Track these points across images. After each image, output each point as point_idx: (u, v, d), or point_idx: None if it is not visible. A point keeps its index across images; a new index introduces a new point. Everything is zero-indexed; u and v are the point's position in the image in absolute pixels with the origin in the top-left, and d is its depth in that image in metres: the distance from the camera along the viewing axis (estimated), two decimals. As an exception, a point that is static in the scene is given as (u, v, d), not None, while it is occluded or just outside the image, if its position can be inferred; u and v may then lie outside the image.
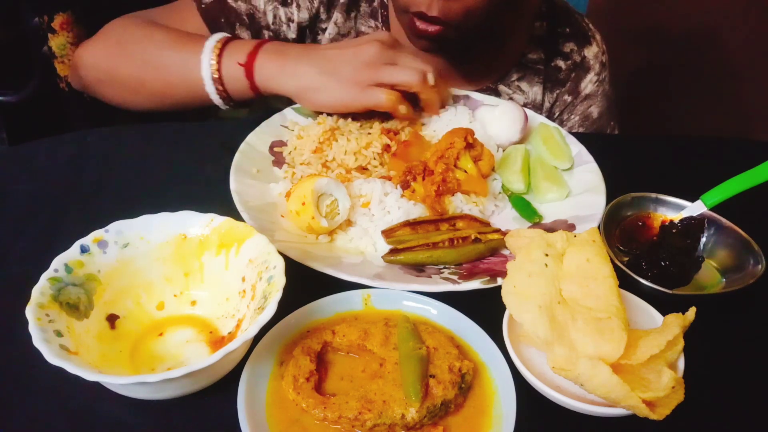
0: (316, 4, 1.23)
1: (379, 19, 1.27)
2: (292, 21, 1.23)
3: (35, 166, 1.03)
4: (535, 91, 1.34)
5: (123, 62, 1.14)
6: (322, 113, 1.10)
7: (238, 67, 1.04)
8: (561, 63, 1.34)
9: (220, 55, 1.05)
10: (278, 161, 1.03)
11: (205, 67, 1.05)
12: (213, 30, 1.18)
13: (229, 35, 1.10)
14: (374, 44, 1.02)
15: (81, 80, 1.21)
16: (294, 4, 1.21)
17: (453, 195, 0.95)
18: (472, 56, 1.28)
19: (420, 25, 1.07)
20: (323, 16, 1.25)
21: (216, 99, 1.08)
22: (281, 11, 1.21)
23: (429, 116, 1.11)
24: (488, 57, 1.30)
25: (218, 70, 1.05)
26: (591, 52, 1.36)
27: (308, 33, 1.26)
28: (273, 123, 1.08)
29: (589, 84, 1.35)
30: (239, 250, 0.75)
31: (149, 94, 1.14)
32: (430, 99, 1.07)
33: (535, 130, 1.11)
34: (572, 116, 1.36)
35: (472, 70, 1.31)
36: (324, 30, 1.26)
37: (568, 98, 1.36)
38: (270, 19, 1.21)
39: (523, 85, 1.33)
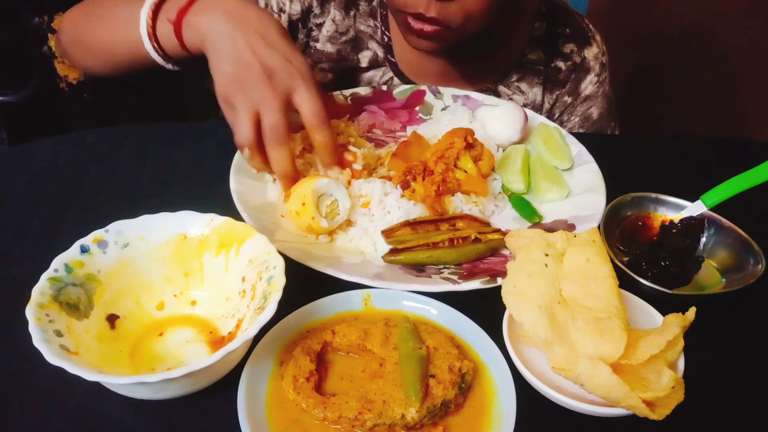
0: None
1: (378, 19, 1.27)
2: (284, 12, 1.22)
3: (35, 166, 1.03)
4: (534, 92, 1.33)
5: (84, 23, 1.13)
6: None
7: (170, 25, 0.97)
8: (561, 64, 1.34)
9: (155, 11, 0.99)
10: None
11: (142, 22, 0.99)
12: None
13: None
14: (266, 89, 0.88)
15: (60, 44, 1.21)
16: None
17: (453, 195, 0.95)
18: (472, 57, 1.27)
19: (415, 24, 1.06)
20: (316, 11, 1.24)
21: (156, 57, 1.02)
22: (273, 0, 1.21)
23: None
24: (488, 57, 1.29)
25: (152, 26, 0.99)
26: (591, 53, 1.35)
27: (300, 27, 1.25)
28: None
29: (589, 85, 1.35)
30: (239, 250, 0.75)
31: (101, 53, 1.11)
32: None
33: (535, 130, 1.11)
34: (572, 117, 1.36)
35: (472, 70, 1.30)
36: (320, 26, 1.25)
37: (568, 99, 1.36)
38: (261, 3, 1.21)
39: (523, 86, 1.33)
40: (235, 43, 0.89)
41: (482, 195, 0.97)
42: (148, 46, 1.00)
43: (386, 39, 1.28)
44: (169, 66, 1.04)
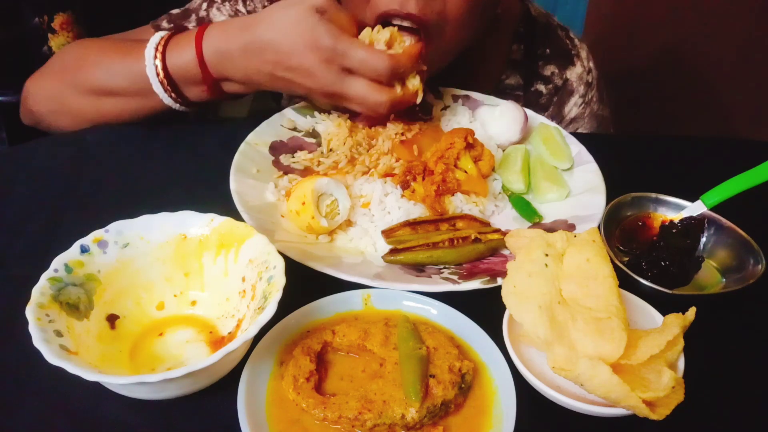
0: None
1: None
2: None
3: (35, 166, 1.03)
4: None
5: (71, 91, 1.07)
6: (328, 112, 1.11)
7: (187, 53, 0.97)
8: (541, 87, 1.29)
9: (165, 47, 0.98)
10: (278, 162, 1.03)
11: (149, 64, 0.98)
12: None
13: (170, 33, 1.02)
14: (320, 31, 0.89)
15: (32, 114, 1.13)
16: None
17: (453, 195, 0.95)
18: (447, 84, 1.20)
19: (405, 39, 0.99)
20: None
21: (167, 99, 1.01)
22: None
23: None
24: (462, 83, 1.21)
25: (164, 68, 0.98)
26: (574, 73, 1.30)
27: None
28: (273, 123, 1.08)
29: (573, 107, 1.30)
30: (239, 250, 0.75)
31: (105, 116, 1.08)
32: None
33: (535, 130, 1.11)
34: None
35: None
36: None
37: None
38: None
39: None
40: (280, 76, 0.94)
41: (482, 195, 0.97)
42: (158, 89, 1.00)
43: None
44: (177, 106, 1.04)
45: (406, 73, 0.95)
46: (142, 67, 0.98)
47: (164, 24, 1.19)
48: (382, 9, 0.99)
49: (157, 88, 0.99)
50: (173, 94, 1.01)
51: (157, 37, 0.99)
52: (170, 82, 0.99)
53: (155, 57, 0.97)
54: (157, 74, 0.98)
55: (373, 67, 0.90)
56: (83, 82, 1.06)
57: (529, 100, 1.30)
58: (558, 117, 1.31)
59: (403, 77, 0.96)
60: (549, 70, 1.30)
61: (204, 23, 1.16)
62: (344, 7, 1.01)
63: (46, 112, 1.11)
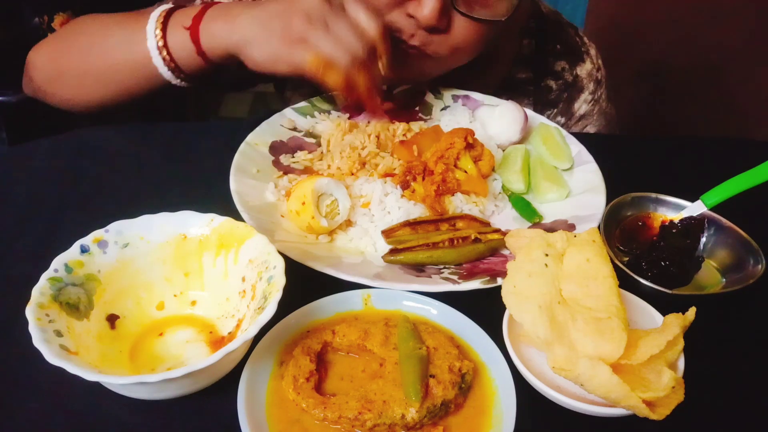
0: None
1: None
2: None
3: (35, 166, 1.03)
4: None
5: (67, 53, 1.08)
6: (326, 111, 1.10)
7: (184, 32, 0.97)
8: (552, 83, 1.29)
9: (165, 23, 0.98)
10: (278, 162, 1.03)
11: (150, 37, 0.98)
12: None
13: (174, 6, 1.02)
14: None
15: (31, 83, 1.14)
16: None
17: (453, 195, 0.95)
18: (456, 79, 1.19)
19: (402, 46, 1.02)
20: None
21: (165, 72, 1.00)
22: None
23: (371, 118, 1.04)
24: (473, 78, 1.21)
25: (163, 37, 0.98)
26: (584, 70, 1.30)
27: None
28: (273, 123, 1.08)
29: (583, 104, 1.30)
30: (239, 250, 0.75)
31: (94, 81, 1.06)
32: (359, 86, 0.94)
33: (535, 130, 1.11)
34: None
35: None
36: None
37: (560, 119, 1.31)
38: None
39: None
40: (260, 20, 0.92)
41: (482, 195, 0.97)
42: (157, 61, 0.99)
43: None
44: (177, 81, 1.03)
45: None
46: (142, 39, 0.98)
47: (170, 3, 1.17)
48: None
49: (157, 61, 0.98)
50: (172, 64, 0.99)
51: (157, 12, 0.99)
52: (169, 54, 0.98)
53: (156, 28, 0.97)
54: (158, 45, 0.98)
55: (348, 38, 0.90)
56: (84, 46, 1.06)
57: (539, 95, 1.30)
58: (567, 114, 1.31)
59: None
60: (559, 66, 1.30)
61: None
62: None
63: (46, 79, 1.11)
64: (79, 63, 1.06)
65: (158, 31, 0.98)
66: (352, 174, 0.97)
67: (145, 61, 0.99)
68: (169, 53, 0.98)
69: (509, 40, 1.27)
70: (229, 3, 1.00)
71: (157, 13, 1.00)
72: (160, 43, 0.98)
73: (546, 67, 1.30)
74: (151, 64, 0.99)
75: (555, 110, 1.31)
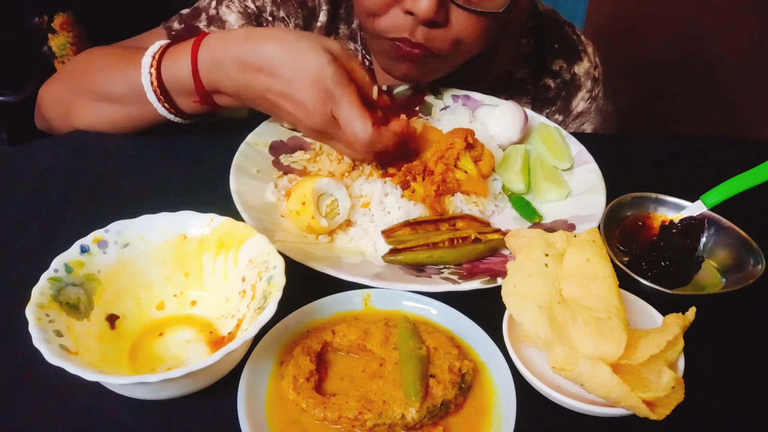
0: (292, 27, 1.20)
1: (359, 42, 1.25)
2: None
3: (35, 166, 1.03)
4: None
5: (74, 94, 1.07)
6: None
7: (191, 102, 0.98)
8: (550, 81, 1.30)
9: (160, 58, 0.97)
10: (278, 162, 1.03)
11: (157, 107, 0.99)
12: None
13: (170, 42, 1.00)
14: (327, 71, 0.86)
15: (44, 120, 1.14)
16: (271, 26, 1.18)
17: (453, 195, 0.95)
18: (456, 78, 1.19)
19: (403, 47, 1.01)
20: None
21: (161, 109, 1.00)
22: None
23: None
24: (472, 77, 1.20)
25: (167, 102, 0.98)
26: (582, 68, 1.31)
27: None
28: (273, 123, 1.08)
29: (580, 102, 1.32)
30: (239, 250, 0.75)
31: (106, 123, 1.06)
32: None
33: (535, 130, 1.11)
34: None
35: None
36: None
37: (558, 117, 1.33)
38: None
39: None
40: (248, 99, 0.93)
41: (482, 195, 0.97)
42: (151, 97, 0.98)
43: (367, 62, 1.26)
44: (172, 117, 1.02)
45: (384, 147, 0.91)
46: (139, 75, 0.97)
47: (175, 25, 1.18)
48: (391, 35, 1.00)
49: (151, 97, 0.98)
50: (166, 104, 0.99)
51: (156, 46, 0.98)
52: (163, 91, 0.97)
53: (151, 65, 0.96)
54: (151, 83, 0.96)
55: (353, 130, 0.87)
56: (85, 86, 1.06)
57: (537, 93, 1.31)
58: (565, 111, 1.32)
59: (379, 149, 0.92)
60: (557, 64, 1.31)
61: (214, 22, 1.16)
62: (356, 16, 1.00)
63: (55, 117, 1.11)
64: (85, 105, 1.06)
65: (153, 70, 0.96)
66: (345, 176, 0.97)
67: (146, 102, 0.99)
68: (161, 85, 0.97)
69: (508, 39, 1.27)
70: (222, 46, 0.94)
71: (148, 62, 0.97)
72: (167, 106, 0.99)
73: (544, 66, 1.30)
74: (147, 101, 0.99)
75: (553, 108, 1.32)
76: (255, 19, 1.20)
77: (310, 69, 0.85)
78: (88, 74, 1.07)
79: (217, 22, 1.18)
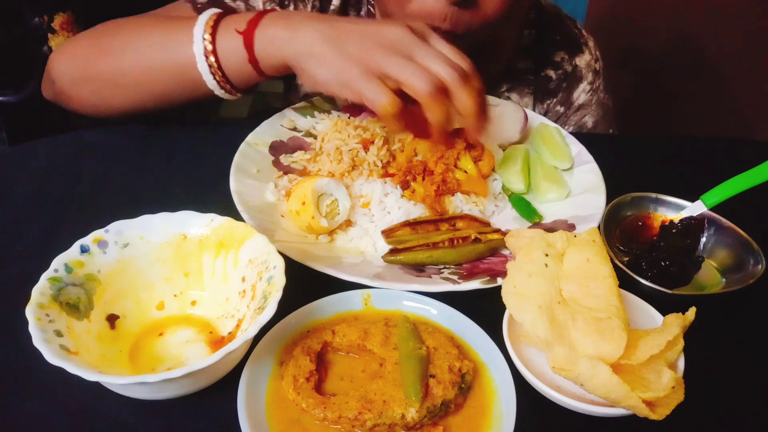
0: (309, 9, 1.20)
1: None
2: None
3: (35, 166, 1.03)
4: (525, 102, 1.31)
5: (99, 55, 1.01)
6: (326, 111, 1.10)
7: (236, 37, 0.90)
8: (551, 73, 1.31)
9: (215, 27, 0.92)
10: (278, 162, 1.03)
11: (197, 41, 0.91)
12: None
13: (222, 11, 0.96)
14: (400, 27, 0.83)
15: (53, 85, 1.07)
16: (291, 6, 1.18)
17: (453, 195, 0.95)
18: None
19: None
20: None
21: (209, 79, 0.94)
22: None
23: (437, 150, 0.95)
24: (475, 68, 1.23)
25: (212, 42, 0.91)
26: (583, 60, 1.32)
27: None
28: (273, 123, 1.08)
29: (581, 94, 1.32)
30: (239, 250, 0.75)
31: (127, 85, 1.00)
32: (436, 120, 0.84)
33: (535, 130, 1.11)
34: (565, 127, 1.32)
35: None
36: None
37: (560, 109, 1.33)
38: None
39: (513, 96, 1.31)
40: (330, 36, 0.84)
41: (482, 195, 0.97)
42: (203, 67, 0.93)
43: None
44: (222, 92, 0.98)
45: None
46: (188, 37, 0.92)
47: None
48: (421, 20, 0.97)
49: (202, 67, 0.93)
50: (219, 72, 0.93)
51: (206, 15, 0.94)
52: (216, 60, 0.92)
53: (205, 31, 0.92)
54: (205, 50, 0.92)
55: (450, 49, 0.83)
56: (117, 48, 1.00)
57: (539, 85, 1.31)
58: (567, 103, 1.33)
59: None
60: (559, 56, 1.32)
61: None
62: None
63: (70, 82, 1.04)
64: (112, 66, 1.00)
65: (207, 35, 0.92)
66: (345, 176, 0.97)
67: (187, 67, 0.94)
68: (217, 60, 0.93)
69: (510, 31, 1.28)
70: (288, 11, 0.93)
71: (207, 15, 0.94)
72: (209, 47, 0.92)
73: (546, 57, 1.31)
74: (194, 71, 0.94)
75: (555, 99, 1.33)
76: None
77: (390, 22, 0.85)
78: (116, 40, 1.01)
79: None
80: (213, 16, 0.94)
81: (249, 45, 0.91)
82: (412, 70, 0.81)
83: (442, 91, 0.82)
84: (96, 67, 1.01)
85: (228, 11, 0.98)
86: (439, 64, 0.82)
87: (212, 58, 0.93)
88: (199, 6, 1.12)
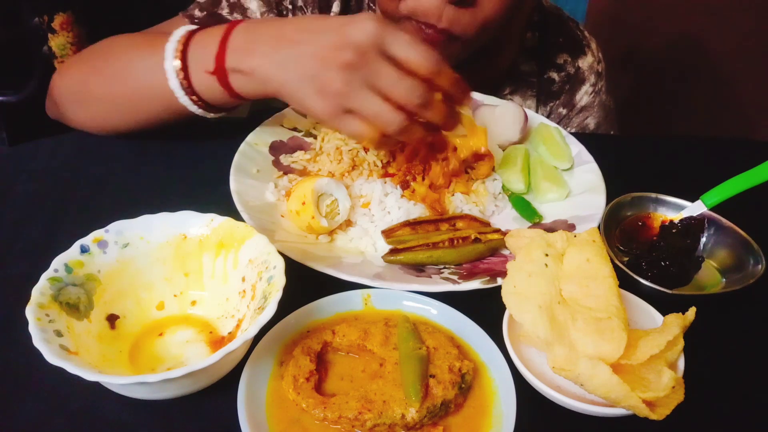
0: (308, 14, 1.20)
1: None
2: None
3: (35, 166, 1.03)
4: (528, 105, 1.31)
5: (92, 78, 1.02)
6: None
7: (210, 77, 0.88)
8: (554, 75, 1.31)
9: (184, 58, 0.89)
10: (278, 162, 1.03)
11: (171, 77, 0.90)
12: None
13: (192, 29, 0.92)
14: (356, 39, 0.77)
15: (56, 106, 1.08)
16: (289, 14, 1.18)
17: (460, 176, 0.95)
18: (462, 71, 1.10)
19: (426, 31, 0.99)
20: None
21: (196, 110, 0.94)
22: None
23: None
24: (479, 70, 1.20)
25: (186, 78, 0.89)
26: (585, 62, 1.33)
27: None
28: (273, 123, 1.08)
29: (584, 96, 1.32)
30: (239, 250, 0.75)
31: (119, 108, 1.01)
32: (414, 140, 0.85)
33: (535, 130, 1.11)
34: (568, 129, 1.33)
35: None
36: None
37: (563, 111, 1.33)
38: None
39: (516, 99, 1.31)
40: (302, 69, 0.80)
41: (483, 144, 0.95)
42: (185, 101, 0.92)
43: None
44: (211, 115, 0.97)
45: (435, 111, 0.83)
46: (161, 60, 0.90)
47: (196, 12, 1.15)
48: (417, 18, 0.99)
49: (173, 84, 0.91)
50: (189, 93, 0.92)
51: (181, 31, 0.92)
52: (186, 76, 0.90)
53: (176, 50, 0.90)
54: (176, 71, 0.90)
55: (417, 52, 0.77)
56: (107, 72, 1.01)
57: (542, 87, 1.31)
58: (569, 105, 1.33)
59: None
60: (562, 58, 1.32)
61: (236, 9, 1.12)
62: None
63: (68, 102, 1.06)
64: (104, 89, 1.01)
65: (179, 73, 0.89)
66: (345, 176, 0.97)
67: (172, 98, 0.92)
68: (197, 96, 0.91)
69: (513, 33, 1.28)
70: (252, 31, 0.87)
71: (173, 45, 0.90)
72: (185, 84, 0.90)
73: (549, 59, 1.31)
74: (178, 103, 0.93)
75: (557, 101, 1.33)
76: (276, 6, 1.20)
77: (355, 18, 0.79)
78: (109, 56, 1.02)
79: (239, 9, 1.17)
80: (179, 45, 0.90)
81: (225, 85, 0.88)
82: (376, 110, 0.78)
83: (411, 116, 0.80)
84: (89, 92, 1.03)
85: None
86: (402, 86, 0.78)
87: (192, 96, 0.91)
88: (196, 21, 1.13)
